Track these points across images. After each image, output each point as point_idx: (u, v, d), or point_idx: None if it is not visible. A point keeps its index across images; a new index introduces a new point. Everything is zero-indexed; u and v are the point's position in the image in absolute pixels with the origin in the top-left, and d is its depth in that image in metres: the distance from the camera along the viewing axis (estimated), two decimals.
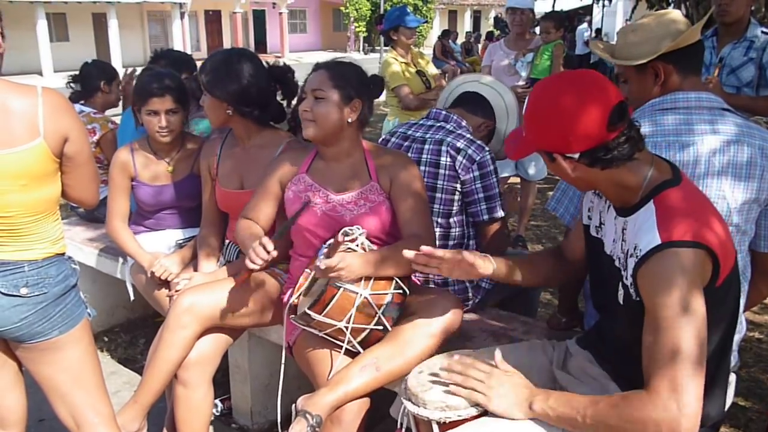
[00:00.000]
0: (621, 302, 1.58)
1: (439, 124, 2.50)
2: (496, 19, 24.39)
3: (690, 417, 1.35)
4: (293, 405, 1.95)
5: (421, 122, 2.57)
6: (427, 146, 2.43)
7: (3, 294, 1.75)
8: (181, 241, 2.83)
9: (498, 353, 1.69)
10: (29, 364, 1.90)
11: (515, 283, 1.90)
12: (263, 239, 2.04)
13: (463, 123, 2.51)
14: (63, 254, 1.88)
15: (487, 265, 1.81)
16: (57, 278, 1.83)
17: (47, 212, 1.81)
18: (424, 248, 1.79)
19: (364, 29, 32.75)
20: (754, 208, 1.85)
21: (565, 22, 5.08)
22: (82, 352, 1.93)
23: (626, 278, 1.54)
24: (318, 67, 2.20)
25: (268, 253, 2.02)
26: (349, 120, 2.15)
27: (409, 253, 1.80)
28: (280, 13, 31.31)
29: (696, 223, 1.44)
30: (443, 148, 2.40)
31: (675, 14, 1.97)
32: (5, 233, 1.74)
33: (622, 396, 1.45)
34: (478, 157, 2.37)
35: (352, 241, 2.03)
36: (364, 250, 2.02)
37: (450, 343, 2.07)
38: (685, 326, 1.37)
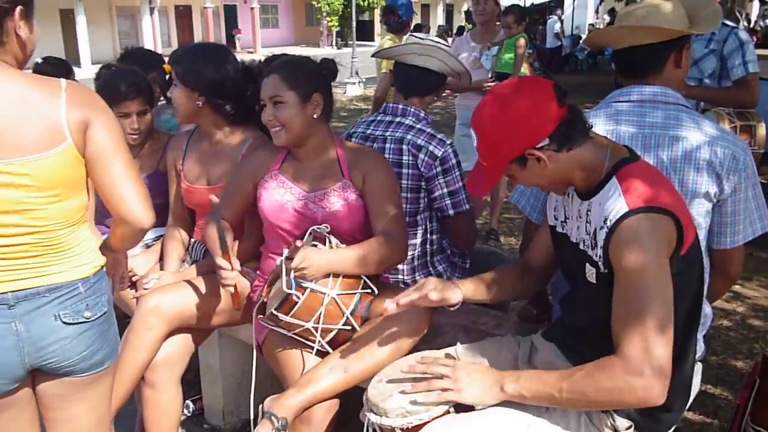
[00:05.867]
0: (591, 281, 1.59)
1: (397, 120, 2.47)
2: (467, 13, 24.45)
3: (663, 380, 1.40)
4: (260, 406, 1.93)
5: (378, 118, 2.53)
6: (388, 145, 2.41)
7: (67, 324, 1.59)
8: (148, 242, 2.78)
9: (459, 347, 1.70)
10: (58, 402, 1.70)
11: (486, 302, 1.92)
12: (218, 260, 2.09)
13: (422, 114, 2.49)
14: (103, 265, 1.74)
15: (456, 294, 1.80)
16: (107, 292, 1.71)
17: (82, 220, 1.65)
18: (402, 303, 1.75)
19: (337, 24, 32.63)
20: (704, 202, 1.87)
21: (530, 15, 5.21)
22: (110, 387, 1.79)
23: (595, 255, 1.56)
24: (269, 71, 2.15)
25: (231, 270, 2.08)
26: (315, 116, 2.13)
27: (390, 307, 1.76)
28: (252, 8, 31.07)
29: (659, 192, 1.49)
30: (404, 146, 2.38)
31: (640, 12, 1.91)
32: (47, 250, 1.57)
33: (595, 365, 1.47)
34: (440, 153, 2.36)
35: (321, 241, 2.02)
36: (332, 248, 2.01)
37: (419, 340, 2.06)
38: (654, 291, 1.42)
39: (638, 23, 1.88)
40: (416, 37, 2.57)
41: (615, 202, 1.49)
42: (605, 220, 1.50)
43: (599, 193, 1.56)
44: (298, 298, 1.90)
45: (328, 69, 2.21)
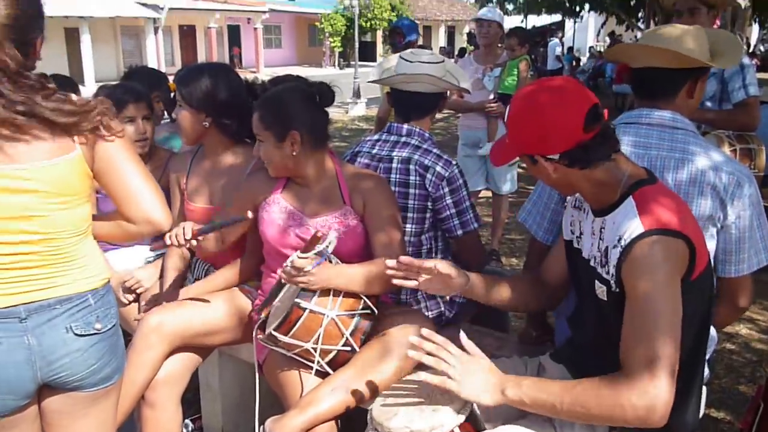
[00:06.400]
0: (602, 298, 1.59)
1: (403, 140, 2.46)
2: (469, 34, 24.66)
3: (666, 401, 1.39)
4: (261, 427, 1.91)
5: (383, 138, 2.52)
6: (394, 165, 2.40)
7: (79, 336, 1.58)
8: (150, 258, 2.78)
9: (462, 335, 1.67)
10: (64, 419, 1.67)
11: (490, 303, 1.90)
12: (188, 223, 2.05)
13: (426, 134, 2.49)
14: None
15: (461, 277, 1.80)
16: (116, 305, 1.70)
17: (89, 231, 1.66)
18: (403, 258, 1.76)
19: (339, 45, 32.85)
20: (708, 226, 1.87)
21: (532, 38, 5.25)
22: (116, 403, 1.77)
23: (606, 273, 1.56)
24: (255, 106, 2.16)
25: (186, 240, 2.01)
26: (294, 153, 2.10)
27: (390, 262, 1.77)
28: (255, 29, 31.30)
29: (676, 215, 1.49)
30: (411, 166, 2.38)
31: (666, 35, 1.89)
32: (56, 260, 1.56)
33: (601, 380, 1.47)
34: (447, 173, 2.36)
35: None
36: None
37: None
38: (663, 315, 1.42)
39: (661, 45, 1.87)
40: (403, 59, 2.52)
41: (630, 222, 1.49)
42: (619, 239, 1.50)
43: (614, 212, 1.56)
44: (303, 310, 1.89)
45: (322, 94, 2.17)
